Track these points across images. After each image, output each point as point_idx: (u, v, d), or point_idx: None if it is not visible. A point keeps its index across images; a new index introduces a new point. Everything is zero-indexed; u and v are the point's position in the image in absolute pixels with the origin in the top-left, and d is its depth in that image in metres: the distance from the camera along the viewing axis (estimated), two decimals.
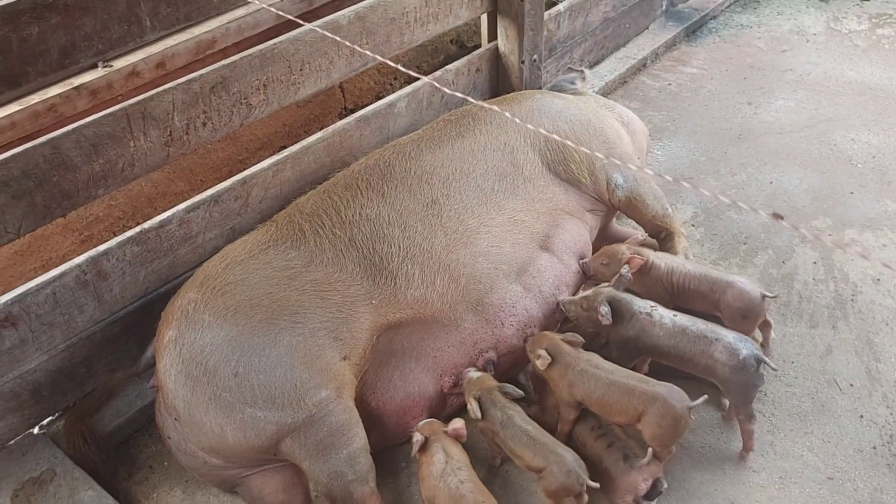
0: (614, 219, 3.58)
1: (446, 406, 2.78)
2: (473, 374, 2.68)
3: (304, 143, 3.22)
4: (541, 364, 2.62)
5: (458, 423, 2.52)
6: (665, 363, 2.81)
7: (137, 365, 2.69)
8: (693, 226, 3.73)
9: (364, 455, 2.45)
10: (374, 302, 2.67)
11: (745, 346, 2.62)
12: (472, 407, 2.55)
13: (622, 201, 3.29)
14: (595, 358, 2.64)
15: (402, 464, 2.79)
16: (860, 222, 3.66)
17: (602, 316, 2.73)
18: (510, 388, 2.63)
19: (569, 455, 2.42)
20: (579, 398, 2.60)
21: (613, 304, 2.78)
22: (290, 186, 3.17)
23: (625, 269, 2.93)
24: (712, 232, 3.70)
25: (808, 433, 2.78)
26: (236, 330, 2.45)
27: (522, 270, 2.94)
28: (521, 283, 2.92)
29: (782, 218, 1.85)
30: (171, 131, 2.66)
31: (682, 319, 2.74)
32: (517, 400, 2.63)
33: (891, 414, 2.82)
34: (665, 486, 2.46)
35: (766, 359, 2.62)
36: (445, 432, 2.49)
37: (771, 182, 3.98)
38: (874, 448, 2.71)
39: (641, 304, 2.81)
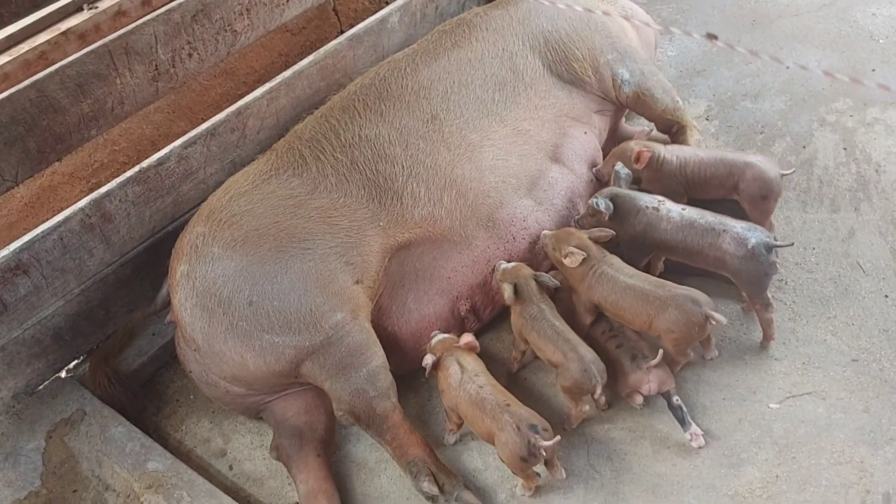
0: (623, 118, 3.48)
1: (465, 329, 2.77)
2: (506, 264, 2.65)
3: (296, 67, 3.14)
4: (571, 262, 2.57)
5: (468, 337, 2.53)
6: (675, 259, 2.77)
7: (154, 303, 2.72)
8: (707, 119, 3.60)
9: (384, 372, 2.47)
10: (381, 224, 2.65)
11: (754, 235, 2.56)
12: (508, 292, 2.53)
13: (630, 97, 3.18)
14: (617, 261, 2.60)
15: (421, 379, 2.80)
16: (883, 100, 3.50)
17: (603, 211, 2.68)
18: (546, 276, 2.62)
19: (588, 355, 2.41)
20: (596, 301, 2.58)
21: (616, 201, 2.72)
22: (286, 114, 3.11)
23: (619, 166, 2.86)
24: (727, 124, 3.57)
25: (830, 318, 2.74)
26: (246, 260, 2.45)
27: (533, 184, 2.87)
28: (532, 197, 2.86)
29: (716, 38, 1.80)
30: (156, 65, 2.60)
31: (691, 212, 2.68)
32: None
33: None
34: (678, 400, 2.44)
35: (778, 242, 2.56)
36: (458, 347, 2.50)
37: (787, 67, 3.81)
38: None
39: (648, 199, 2.74)
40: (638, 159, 2.87)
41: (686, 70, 3.88)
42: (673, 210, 2.70)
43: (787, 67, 3.76)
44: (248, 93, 4.04)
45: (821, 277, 2.86)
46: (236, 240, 2.49)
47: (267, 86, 3.06)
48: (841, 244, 2.96)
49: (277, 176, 2.66)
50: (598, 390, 2.39)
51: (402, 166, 2.71)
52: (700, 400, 2.56)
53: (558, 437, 2.24)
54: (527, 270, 2.63)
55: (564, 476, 2.37)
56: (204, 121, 3.89)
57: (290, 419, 2.58)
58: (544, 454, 2.20)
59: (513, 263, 2.66)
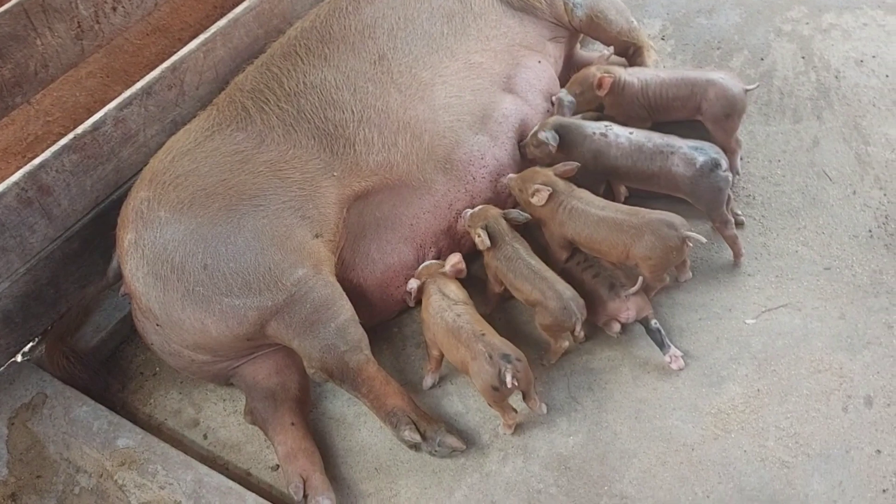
0: (578, 45, 3.37)
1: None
2: (472, 210, 2.58)
3: (231, 16, 2.96)
4: (538, 200, 2.49)
5: (454, 258, 2.46)
6: (630, 185, 2.71)
7: (106, 276, 2.59)
8: (662, 39, 3.51)
9: (353, 325, 2.39)
10: (335, 174, 2.53)
11: (701, 153, 2.51)
12: (482, 237, 2.46)
13: (583, 21, 3.07)
14: (586, 194, 2.53)
15: (393, 329, 2.74)
16: (837, 5, 3.43)
17: (548, 144, 2.60)
18: (514, 212, 2.55)
19: (567, 292, 2.36)
20: (569, 237, 2.51)
21: (562, 131, 2.65)
22: (225, 66, 2.95)
23: (562, 93, 2.78)
24: (683, 42, 3.49)
25: (800, 228, 2.71)
26: (195, 222, 2.33)
27: (486, 118, 2.76)
28: (487, 132, 2.75)
29: None
30: (78, 22, 2.43)
31: (638, 136, 2.62)
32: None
33: (885, 195, 2.73)
34: (656, 323, 2.40)
35: (723, 160, 2.50)
36: (443, 273, 2.43)
37: None
38: (870, 231, 2.64)
39: (594, 126, 2.67)
40: (600, 85, 2.78)
41: None
42: (621, 135, 2.63)
43: None
44: None
45: (788, 189, 2.83)
46: (183, 202, 2.37)
47: (202, 37, 2.89)
48: (806, 154, 2.92)
49: (221, 132, 2.53)
50: (578, 327, 2.34)
51: (352, 112, 2.59)
52: (676, 322, 2.53)
53: (528, 385, 2.20)
54: (494, 210, 2.55)
55: (545, 411, 2.34)
56: None
57: (262, 382, 2.50)
58: (515, 384, 2.15)
59: (478, 207, 2.57)
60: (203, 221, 2.33)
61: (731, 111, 2.74)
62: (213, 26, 2.93)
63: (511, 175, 2.66)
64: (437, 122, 2.66)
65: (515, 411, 2.31)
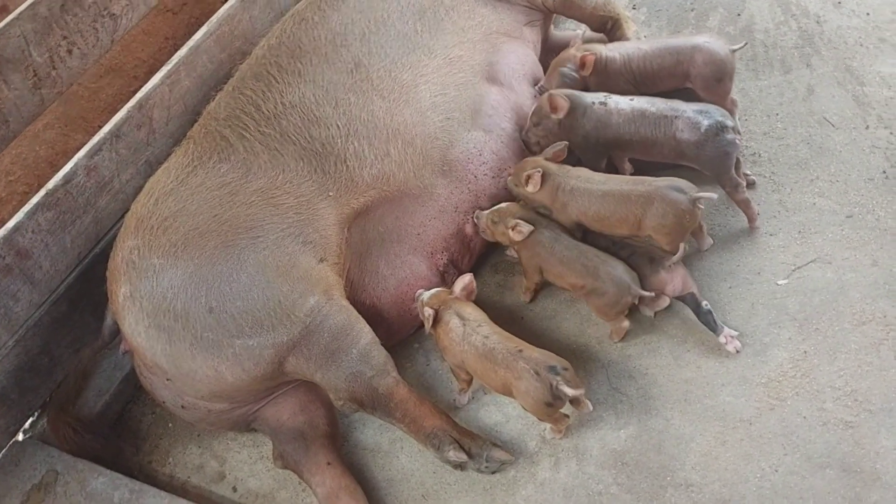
0: (552, 26, 3.26)
1: (447, 284, 2.56)
2: (498, 206, 2.46)
3: (191, 43, 2.81)
4: (533, 185, 2.39)
5: (464, 280, 2.33)
6: (634, 156, 2.61)
7: (102, 336, 2.42)
8: (634, 8, 3.42)
9: (376, 348, 2.25)
10: (331, 193, 2.39)
11: (706, 117, 2.41)
12: (521, 226, 2.35)
13: (557, 1, 2.96)
14: (584, 172, 2.42)
15: (414, 345, 2.61)
16: None
17: (562, 105, 2.49)
18: (538, 208, 2.45)
19: (619, 267, 2.26)
20: (575, 218, 2.40)
21: None
22: (192, 97, 2.79)
23: (565, 69, 2.67)
24: (655, 8, 3.40)
25: (813, 179, 2.63)
26: (193, 264, 2.18)
27: (476, 112, 2.64)
28: (480, 127, 2.64)
29: None
30: (34, 70, 2.25)
31: (640, 102, 2.52)
32: None
33: (891, 133, 2.67)
34: (707, 305, 2.29)
35: (731, 122, 2.41)
36: (453, 297, 2.29)
37: None
38: (884, 172, 2.57)
39: (593, 96, 2.57)
40: (583, 65, 2.67)
41: None
42: (621, 102, 2.53)
43: None
44: (141, 87, 3.68)
45: (792, 142, 2.75)
46: (176, 245, 2.21)
47: (164, 70, 2.73)
48: (803, 103, 2.85)
49: (203, 166, 2.37)
50: (643, 294, 2.24)
51: (338, 127, 2.45)
52: (707, 294, 2.42)
53: (582, 389, 2.08)
54: (515, 206, 2.46)
55: (591, 408, 2.21)
56: (101, 127, 3.53)
57: (287, 422, 2.34)
58: (569, 395, 2.03)
59: (502, 205, 2.47)
60: (201, 262, 2.18)
61: (721, 75, 2.64)
62: (174, 57, 2.77)
63: (509, 177, 2.56)
64: (426, 125, 2.53)
65: (567, 417, 2.19)
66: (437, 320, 2.25)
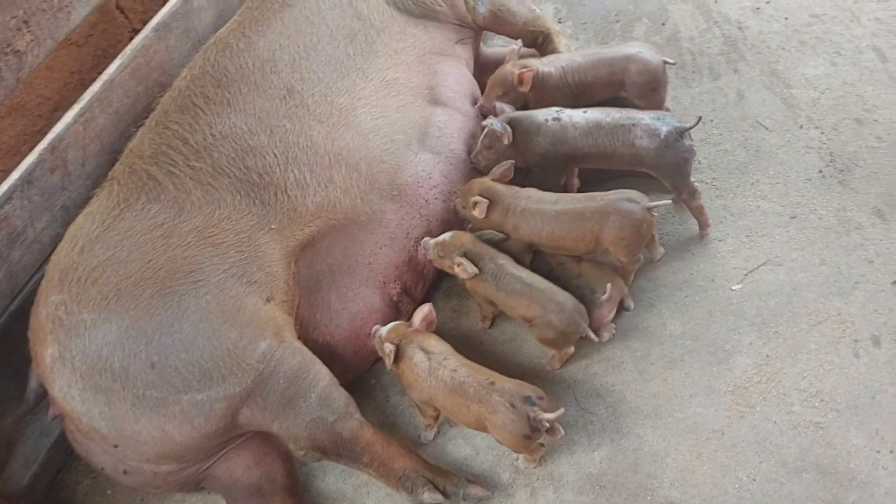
0: (481, 43, 3.22)
1: (402, 314, 2.45)
2: (443, 236, 2.35)
3: (104, 78, 2.62)
4: (479, 212, 2.31)
5: (423, 311, 2.22)
6: (590, 166, 2.58)
7: (25, 401, 2.20)
8: (559, 21, 3.42)
9: (336, 390, 2.12)
10: (273, 226, 2.26)
11: (664, 123, 2.41)
12: (466, 265, 2.24)
13: (487, 17, 2.92)
14: (533, 192, 2.36)
15: (370, 381, 2.48)
16: None
17: (504, 135, 2.43)
18: (488, 233, 2.36)
19: (569, 301, 2.18)
20: (528, 240, 2.34)
21: (513, 124, 2.49)
22: (109, 135, 2.60)
23: (498, 105, 2.61)
24: (581, 21, 3.41)
25: (754, 183, 2.66)
26: (129, 316, 2.00)
27: (423, 134, 2.56)
28: (428, 149, 2.55)
29: None
30: None
31: (594, 113, 2.49)
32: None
33: (822, 133, 2.73)
34: (632, 304, 2.30)
35: (687, 127, 2.41)
36: (414, 330, 2.19)
37: None
38: (821, 172, 2.63)
39: (544, 113, 2.53)
40: (521, 81, 2.63)
41: None
42: (574, 115, 2.50)
43: None
44: (46, 126, 3.43)
45: (730, 147, 2.78)
46: (107, 297, 2.03)
47: (77, 107, 2.53)
48: (735, 108, 2.90)
49: (130, 208, 2.19)
50: (590, 333, 2.19)
51: (275, 155, 2.31)
52: (664, 304, 2.41)
53: (562, 410, 2.00)
54: (466, 236, 2.35)
55: (563, 432, 2.15)
56: (7, 172, 3.26)
57: (242, 478, 2.18)
58: (548, 425, 1.96)
59: (447, 234, 2.36)
60: (138, 314, 2.00)
61: (656, 83, 2.66)
62: (86, 93, 2.58)
63: (456, 200, 2.48)
64: (370, 148, 2.43)
65: (543, 446, 2.11)
66: (398, 356, 2.14)
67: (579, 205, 2.28)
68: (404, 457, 2.09)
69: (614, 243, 2.24)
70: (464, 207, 2.41)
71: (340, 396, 2.12)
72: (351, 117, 2.45)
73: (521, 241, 2.36)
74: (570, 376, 2.33)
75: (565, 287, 2.29)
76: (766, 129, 2.79)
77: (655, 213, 2.25)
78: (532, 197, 2.35)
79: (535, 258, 2.39)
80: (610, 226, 2.22)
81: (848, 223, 2.48)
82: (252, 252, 2.19)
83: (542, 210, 2.30)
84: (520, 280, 2.23)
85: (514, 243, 2.38)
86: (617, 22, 3.35)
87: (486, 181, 2.40)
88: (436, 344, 2.15)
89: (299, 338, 2.22)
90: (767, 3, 3.20)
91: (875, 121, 2.71)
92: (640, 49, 2.67)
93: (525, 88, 2.64)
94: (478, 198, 2.32)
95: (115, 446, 2.04)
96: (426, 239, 2.37)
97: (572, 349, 2.28)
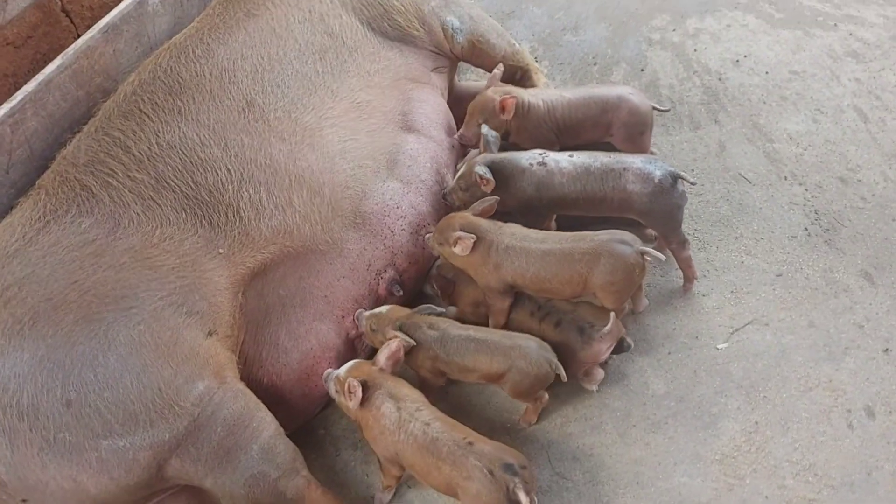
0: (456, 76, 3.06)
1: (359, 354, 2.21)
2: (378, 309, 2.13)
3: (41, 77, 2.33)
4: (461, 250, 2.10)
5: (391, 346, 1.98)
6: (575, 213, 2.42)
7: None
8: (536, 60, 3.29)
9: (281, 441, 1.87)
10: (221, 251, 2.01)
11: (657, 167, 2.27)
12: (401, 336, 2.02)
13: (465, 47, 2.77)
14: (518, 229, 2.18)
15: (319, 431, 2.22)
16: (696, 10, 3.40)
17: (482, 180, 2.25)
18: (426, 307, 2.14)
19: (531, 343, 1.98)
20: (510, 280, 2.14)
21: (495, 168, 2.31)
22: (41, 140, 2.31)
23: (485, 129, 2.45)
24: (558, 62, 3.29)
25: (738, 237, 2.53)
26: (45, 345, 1.72)
27: (393, 162, 2.36)
28: (397, 178, 2.35)
29: None
30: None
31: (581, 157, 2.34)
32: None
33: (806, 190, 2.63)
34: (631, 343, 2.12)
35: (683, 174, 2.28)
36: (380, 371, 1.95)
37: None
38: (806, 230, 2.52)
39: (529, 156, 2.36)
40: (503, 109, 2.46)
41: (495, 13, 3.55)
42: (561, 160, 2.33)
43: None
44: None
45: (712, 198, 2.66)
46: (21, 321, 1.75)
47: (6, 107, 2.24)
48: (716, 159, 2.79)
49: (58, 221, 1.92)
50: (562, 373, 1.98)
51: (228, 171, 2.08)
52: (646, 360, 2.24)
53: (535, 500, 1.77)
54: (405, 311, 2.14)
55: (536, 502, 1.91)
56: None
57: None
58: (533, 501, 1.73)
59: (383, 308, 2.14)
60: (56, 343, 1.72)
61: (644, 127, 2.54)
62: (18, 92, 2.29)
63: (429, 234, 2.27)
64: (335, 172, 2.21)
65: None
66: (363, 401, 1.89)
67: (568, 245, 2.10)
68: None
69: (603, 288, 2.05)
70: (440, 244, 2.20)
71: (286, 449, 1.85)
72: (316, 137, 2.23)
73: (502, 282, 2.15)
74: (545, 436, 2.11)
75: (557, 322, 2.11)
76: (749, 182, 2.68)
77: (649, 259, 2.08)
78: (517, 234, 2.16)
79: (517, 296, 2.20)
80: (600, 269, 2.04)
81: (836, 285, 2.36)
82: (195, 278, 1.93)
83: (527, 248, 2.11)
84: (470, 339, 2.03)
85: (491, 287, 2.17)
86: (595, 65, 3.24)
87: (467, 216, 2.19)
88: (408, 392, 1.91)
89: (242, 378, 1.96)
90: (747, 56, 3.13)
91: (859, 181, 2.63)
92: (629, 91, 2.55)
93: (507, 116, 2.47)
94: (462, 234, 2.11)
95: (14, 497, 1.72)
96: (360, 310, 2.15)
97: (546, 396, 2.07)
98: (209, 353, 1.87)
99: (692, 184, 2.33)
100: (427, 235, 2.25)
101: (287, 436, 1.94)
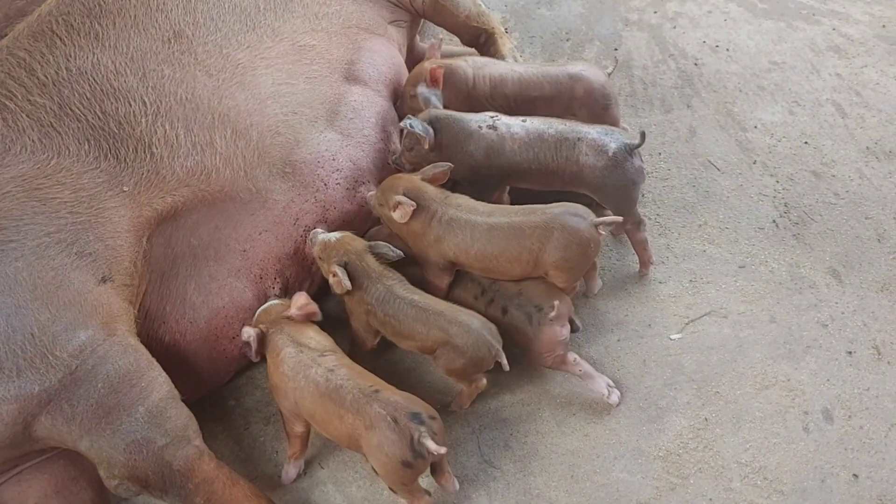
0: (417, 36, 2.86)
1: None
2: (330, 234, 1.91)
3: None
4: (401, 215, 1.90)
5: (301, 299, 1.78)
6: (525, 186, 2.22)
7: None
8: (506, 31, 3.10)
9: (173, 405, 1.65)
10: (125, 188, 1.79)
11: (614, 139, 2.08)
12: (340, 276, 1.81)
13: (426, 2, 2.56)
14: (465, 200, 1.97)
15: (229, 402, 2.01)
16: None
17: (424, 139, 2.05)
18: (384, 246, 1.92)
19: (474, 320, 1.78)
20: (452, 256, 1.93)
21: (439, 126, 2.11)
22: None
23: (421, 87, 2.24)
24: (528, 34, 3.11)
25: (702, 225, 2.37)
26: None
27: (333, 112, 2.15)
28: (336, 129, 2.14)
29: None
30: None
31: (536, 123, 2.14)
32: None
33: (777, 182, 2.47)
34: (580, 325, 1.93)
35: (636, 143, 2.09)
36: (288, 317, 1.74)
37: None
38: (774, 222, 2.35)
39: (478, 118, 2.16)
40: (433, 79, 2.25)
41: None
42: (513, 124, 2.13)
43: None
44: None
45: (678, 183, 2.49)
46: None
47: None
48: (685, 144, 2.62)
49: None
50: (503, 358, 1.78)
51: (143, 102, 1.86)
52: (594, 348, 2.05)
53: (444, 450, 1.58)
54: (357, 243, 1.92)
55: (458, 486, 1.72)
56: None
57: None
58: (439, 452, 1.53)
59: (336, 234, 1.93)
60: None
61: (606, 101, 2.34)
62: None
63: (371, 192, 2.06)
64: (266, 115, 2.00)
65: (429, 494, 1.67)
66: (264, 345, 1.69)
67: (517, 218, 1.90)
68: (251, 501, 1.61)
69: (556, 265, 1.86)
70: (380, 204, 1.99)
71: (178, 415, 1.63)
72: (248, 76, 2.02)
73: (441, 256, 1.95)
74: (477, 420, 1.92)
75: (503, 309, 1.90)
76: (718, 169, 2.52)
77: (603, 232, 1.90)
78: (463, 205, 1.96)
79: (460, 277, 2.00)
80: (553, 245, 1.84)
81: (801, 280, 2.20)
82: (91, 216, 1.71)
83: (472, 222, 1.91)
84: (413, 304, 1.82)
85: (430, 261, 1.97)
86: (567, 41, 3.06)
87: (414, 179, 1.98)
88: (314, 336, 1.73)
89: (140, 334, 1.74)
90: (727, 44, 2.98)
91: (833, 176, 2.48)
92: (583, 67, 2.33)
93: (437, 87, 2.26)
94: (402, 198, 1.90)
95: None
96: (316, 230, 1.94)
97: (484, 381, 1.87)
98: (99, 300, 1.65)
99: (639, 145, 2.12)
100: (369, 194, 2.04)
101: (191, 404, 1.72)
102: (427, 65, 2.31)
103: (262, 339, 1.76)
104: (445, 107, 2.32)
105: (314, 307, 1.81)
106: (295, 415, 1.71)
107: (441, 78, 2.26)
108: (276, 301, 1.86)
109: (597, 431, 1.88)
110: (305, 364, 1.66)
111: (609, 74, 2.35)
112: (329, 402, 1.61)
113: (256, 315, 1.79)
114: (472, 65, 2.36)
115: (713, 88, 2.81)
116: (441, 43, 2.47)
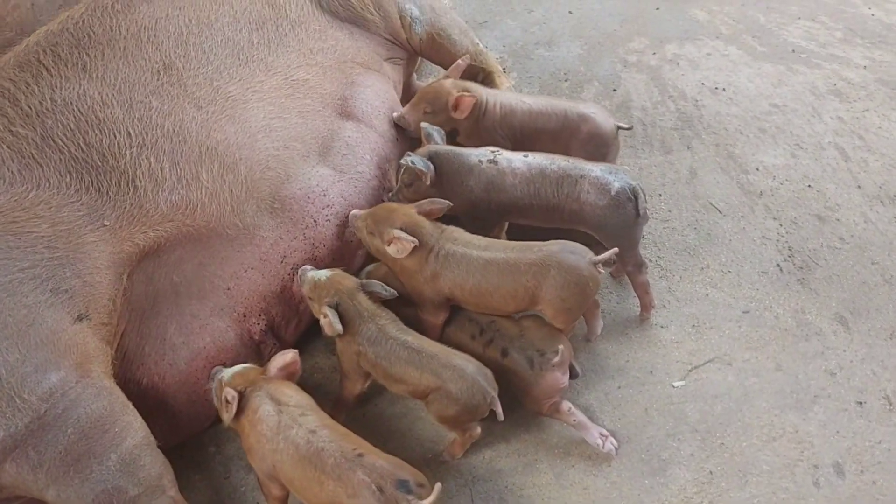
0: (414, 74, 2.82)
1: (263, 358, 1.91)
2: (320, 273, 1.83)
3: None
4: (398, 251, 1.83)
5: (286, 357, 1.70)
6: (525, 223, 2.16)
7: None
8: (504, 71, 3.07)
9: (147, 453, 1.56)
10: (106, 223, 1.73)
11: (617, 178, 2.03)
12: (331, 318, 1.73)
13: (424, 40, 2.54)
14: (460, 234, 1.91)
15: (209, 448, 1.91)
16: (677, 36, 3.23)
17: (425, 175, 1.99)
18: (376, 284, 1.84)
19: (469, 365, 1.70)
20: (447, 293, 1.86)
21: (438, 162, 2.05)
22: None
23: (425, 125, 2.18)
24: (527, 74, 3.08)
25: (704, 268, 2.30)
26: None
27: (326, 148, 2.10)
28: (329, 164, 2.08)
29: None
30: None
31: (537, 158, 2.09)
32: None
33: (780, 225, 2.41)
34: (580, 371, 1.85)
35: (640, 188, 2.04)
36: (267, 378, 1.65)
37: (571, 12, 3.43)
38: (778, 266, 2.29)
39: (479, 153, 2.11)
40: (457, 107, 2.22)
41: (467, 22, 3.32)
42: (514, 160, 2.09)
43: (571, 13, 3.40)
44: None
45: (679, 225, 2.43)
46: None
47: None
48: (686, 186, 2.57)
49: None
50: (497, 407, 1.69)
51: (128, 134, 1.81)
52: (593, 394, 1.97)
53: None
54: (349, 281, 1.84)
55: None
56: None
57: None
58: None
59: (326, 272, 1.85)
60: None
61: (606, 149, 2.30)
62: None
63: (356, 211, 1.98)
64: (256, 149, 1.94)
65: None
66: (241, 408, 1.59)
67: (513, 254, 1.83)
68: None
69: (553, 304, 1.79)
70: (371, 234, 1.91)
71: (153, 463, 1.54)
72: (239, 110, 1.97)
73: (437, 293, 1.87)
74: (471, 470, 1.83)
75: (503, 350, 1.83)
76: (720, 212, 2.46)
77: (602, 271, 1.83)
78: (459, 239, 1.89)
79: (457, 315, 1.92)
80: (550, 282, 1.78)
81: (807, 327, 2.12)
82: (69, 251, 1.65)
83: (468, 256, 1.85)
84: (405, 345, 1.74)
85: (425, 297, 1.90)
86: (566, 81, 3.03)
87: (411, 213, 1.91)
88: (293, 395, 1.62)
89: (116, 376, 1.66)
90: (726, 86, 2.94)
91: (837, 220, 2.42)
92: (594, 110, 2.31)
93: (460, 115, 2.23)
94: (402, 234, 1.83)
95: None
96: (305, 268, 1.86)
97: (478, 430, 1.78)
98: (74, 340, 1.57)
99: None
100: (353, 213, 1.96)
101: (169, 450, 1.63)
102: (450, 88, 2.26)
103: (241, 401, 1.64)
104: (455, 131, 2.28)
105: (298, 366, 1.72)
106: (270, 478, 1.61)
107: (469, 108, 2.21)
108: (247, 365, 1.74)
109: (597, 485, 1.79)
110: (286, 424, 1.56)
111: (619, 128, 2.31)
112: (309, 466, 1.51)
113: (230, 377, 1.66)
114: (487, 91, 2.33)
115: (713, 130, 2.77)
116: (467, 61, 2.42)
